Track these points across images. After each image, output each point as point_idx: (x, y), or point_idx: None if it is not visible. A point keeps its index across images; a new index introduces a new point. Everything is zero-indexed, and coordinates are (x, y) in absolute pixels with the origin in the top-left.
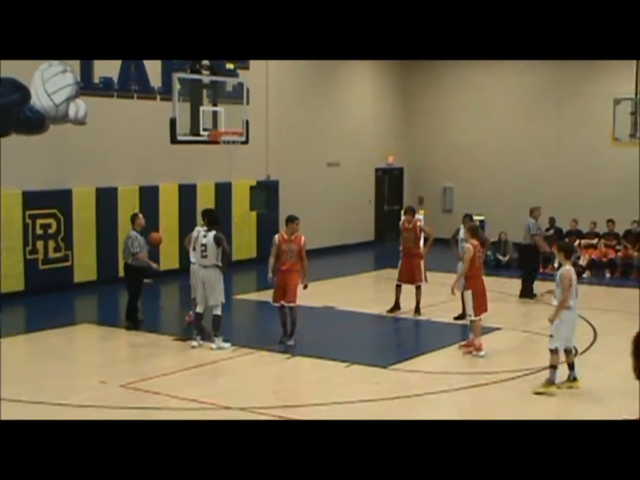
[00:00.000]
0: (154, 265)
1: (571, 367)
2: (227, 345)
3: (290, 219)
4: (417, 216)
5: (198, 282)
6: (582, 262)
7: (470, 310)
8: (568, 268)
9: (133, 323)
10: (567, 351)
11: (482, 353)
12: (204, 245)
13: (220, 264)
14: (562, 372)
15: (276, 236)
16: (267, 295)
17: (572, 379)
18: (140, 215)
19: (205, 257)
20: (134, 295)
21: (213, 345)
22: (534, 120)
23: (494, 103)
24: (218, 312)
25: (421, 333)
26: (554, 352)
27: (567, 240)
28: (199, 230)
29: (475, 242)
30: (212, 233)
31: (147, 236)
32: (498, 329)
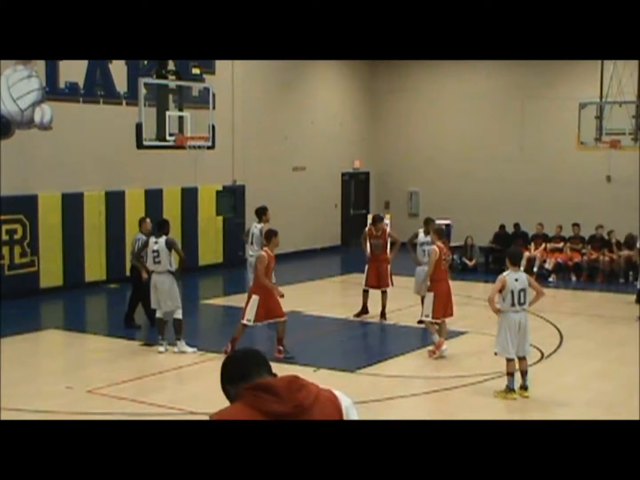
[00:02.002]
0: (145, 275)
1: (523, 375)
2: (190, 349)
3: (275, 234)
4: (385, 221)
5: (151, 288)
6: (548, 265)
7: (428, 311)
8: (506, 273)
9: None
10: (520, 358)
11: (444, 347)
12: (155, 251)
13: (173, 269)
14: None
15: (264, 255)
16: (233, 301)
17: (522, 387)
18: (148, 220)
19: (158, 262)
20: (138, 296)
21: (175, 349)
22: (500, 124)
23: (459, 107)
24: (178, 316)
25: (388, 337)
26: (508, 360)
27: (514, 246)
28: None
29: (441, 244)
30: (164, 238)
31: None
32: (465, 332)
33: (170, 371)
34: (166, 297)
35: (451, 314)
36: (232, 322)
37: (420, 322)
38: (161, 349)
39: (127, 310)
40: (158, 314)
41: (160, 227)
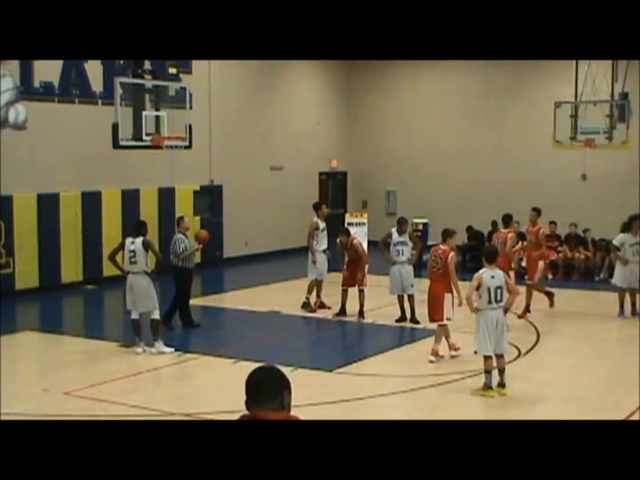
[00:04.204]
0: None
1: (501, 372)
2: (168, 349)
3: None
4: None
5: (128, 289)
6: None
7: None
8: (482, 271)
9: (190, 324)
10: (498, 355)
11: (431, 358)
12: (132, 251)
13: (149, 270)
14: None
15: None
16: (211, 301)
17: (500, 384)
18: (186, 219)
19: (135, 263)
20: (185, 297)
21: (153, 350)
22: (476, 123)
23: (436, 107)
24: (155, 316)
25: (366, 336)
26: (486, 357)
27: (488, 244)
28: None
29: (443, 247)
30: (141, 239)
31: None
32: None
33: (149, 372)
34: (143, 298)
35: (435, 319)
36: (210, 322)
37: (397, 320)
38: (139, 350)
39: (168, 310)
40: (133, 315)
41: (137, 228)
